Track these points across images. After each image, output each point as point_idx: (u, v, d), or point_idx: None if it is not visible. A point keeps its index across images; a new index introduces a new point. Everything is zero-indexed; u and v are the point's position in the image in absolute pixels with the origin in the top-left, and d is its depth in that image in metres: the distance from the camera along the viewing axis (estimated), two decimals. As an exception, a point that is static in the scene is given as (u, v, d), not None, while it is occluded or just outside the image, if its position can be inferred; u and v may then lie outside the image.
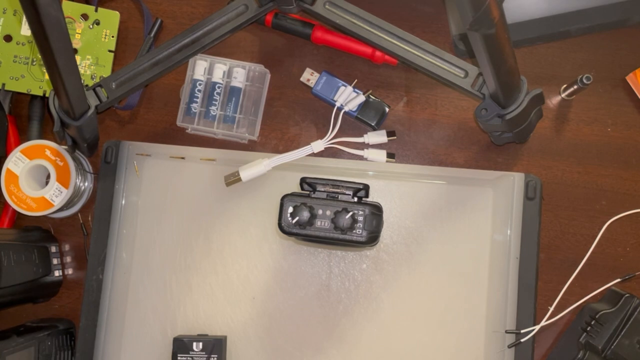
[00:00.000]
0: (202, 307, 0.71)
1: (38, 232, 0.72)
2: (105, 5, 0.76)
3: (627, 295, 0.65)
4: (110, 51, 0.74)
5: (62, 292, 0.74)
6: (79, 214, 0.74)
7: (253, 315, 0.70)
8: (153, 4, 0.76)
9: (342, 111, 0.72)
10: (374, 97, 0.72)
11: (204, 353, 0.67)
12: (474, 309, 0.69)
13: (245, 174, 0.70)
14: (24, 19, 0.73)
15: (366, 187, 0.63)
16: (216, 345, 0.67)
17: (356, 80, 0.73)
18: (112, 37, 0.74)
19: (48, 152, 0.70)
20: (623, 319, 0.64)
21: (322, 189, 0.63)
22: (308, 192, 0.63)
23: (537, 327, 0.67)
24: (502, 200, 0.70)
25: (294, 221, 0.61)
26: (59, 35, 0.52)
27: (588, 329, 0.65)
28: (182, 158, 0.73)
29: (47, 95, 0.73)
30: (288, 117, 0.74)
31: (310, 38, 0.73)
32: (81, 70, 0.74)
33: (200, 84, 0.72)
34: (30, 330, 0.67)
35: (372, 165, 0.72)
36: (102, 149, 0.72)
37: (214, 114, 0.72)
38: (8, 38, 0.73)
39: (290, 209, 0.62)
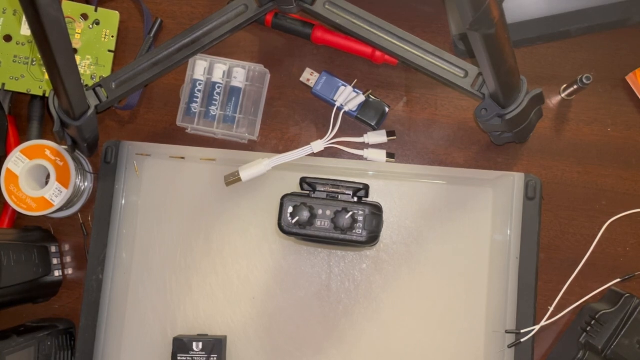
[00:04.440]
0: (202, 307, 0.71)
1: (38, 232, 0.72)
2: (105, 5, 0.76)
3: (627, 295, 0.65)
4: (110, 51, 0.74)
5: (62, 292, 0.74)
6: (79, 214, 0.74)
7: (253, 315, 0.70)
8: (153, 4, 0.76)
9: (342, 111, 0.72)
10: (374, 97, 0.72)
11: (204, 353, 0.67)
12: (474, 309, 0.69)
13: (245, 174, 0.70)
14: (24, 19, 0.73)
15: (366, 187, 0.63)
16: (216, 345, 0.67)
17: (356, 80, 0.73)
18: (112, 37, 0.74)
19: (48, 152, 0.70)
20: (623, 319, 0.64)
21: (322, 189, 0.63)
22: (308, 192, 0.63)
23: (537, 327, 0.67)
24: (502, 200, 0.70)
25: (294, 221, 0.61)
26: (59, 35, 0.52)
27: (588, 329, 0.65)
28: (182, 158, 0.73)
29: (47, 95, 0.73)
30: (288, 117, 0.74)
31: (310, 38, 0.73)
32: (81, 70, 0.74)
33: (200, 84, 0.72)
34: (30, 330, 0.67)
35: (372, 165, 0.72)
36: (102, 149, 0.72)
37: (214, 114, 0.72)
38: (8, 38, 0.73)
39: (290, 209, 0.62)
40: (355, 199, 0.63)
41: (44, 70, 0.72)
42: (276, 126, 0.74)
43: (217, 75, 0.72)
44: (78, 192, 0.72)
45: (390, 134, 0.72)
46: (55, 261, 0.72)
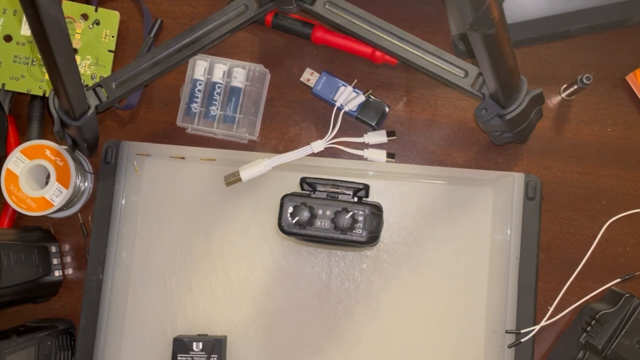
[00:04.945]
0: (202, 307, 0.71)
1: (38, 232, 0.72)
2: (105, 5, 0.76)
3: (627, 295, 0.65)
4: (110, 51, 0.74)
5: (62, 292, 0.74)
6: (79, 214, 0.74)
7: (253, 315, 0.70)
8: (153, 4, 0.76)
9: (342, 111, 0.72)
10: (374, 97, 0.72)
11: (204, 353, 0.67)
12: (474, 309, 0.69)
13: (245, 174, 0.70)
14: (24, 19, 0.73)
15: (366, 187, 0.63)
16: (216, 345, 0.67)
17: (356, 80, 0.73)
18: (112, 37, 0.74)
19: (48, 152, 0.70)
20: (623, 319, 0.64)
21: (322, 189, 0.63)
22: (308, 192, 0.63)
23: (537, 327, 0.67)
24: (502, 200, 0.70)
25: (294, 221, 0.61)
26: (59, 35, 0.52)
27: (588, 329, 0.65)
28: (182, 158, 0.73)
29: (47, 95, 0.73)
30: (288, 117, 0.74)
31: (310, 38, 0.73)
32: (81, 70, 0.74)
33: (200, 84, 0.72)
34: (30, 330, 0.67)
35: (372, 165, 0.72)
36: (102, 149, 0.72)
37: (214, 114, 0.72)
38: (8, 38, 0.73)
39: (290, 209, 0.62)
40: (355, 199, 0.63)
41: (44, 70, 0.72)
42: (276, 126, 0.74)
43: (217, 75, 0.72)
44: (78, 192, 0.72)
45: (390, 134, 0.72)
46: (55, 261, 0.72)
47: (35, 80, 0.73)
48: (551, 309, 0.68)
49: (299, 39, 0.75)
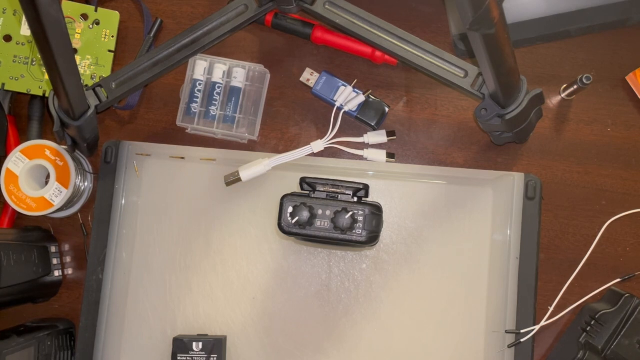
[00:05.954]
0: (202, 307, 0.71)
1: (38, 232, 0.72)
2: (105, 5, 0.76)
3: (627, 295, 0.65)
4: (110, 51, 0.74)
5: (62, 292, 0.74)
6: (79, 214, 0.74)
7: (253, 315, 0.70)
8: (153, 4, 0.76)
9: (342, 111, 0.72)
10: (374, 97, 0.72)
11: (204, 353, 0.67)
12: (474, 309, 0.69)
13: (245, 174, 0.70)
14: (24, 19, 0.73)
15: (366, 187, 0.63)
16: (216, 345, 0.67)
17: (356, 80, 0.73)
18: (112, 37, 0.74)
19: (48, 152, 0.70)
20: (623, 319, 0.64)
21: (322, 189, 0.63)
22: (308, 192, 0.63)
23: (537, 327, 0.67)
24: (502, 200, 0.70)
25: (294, 221, 0.61)
26: (59, 35, 0.52)
27: (588, 329, 0.65)
28: (182, 158, 0.73)
29: (47, 95, 0.73)
30: (288, 117, 0.74)
31: (310, 38, 0.73)
32: (81, 70, 0.74)
33: (200, 84, 0.72)
34: (30, 330, 0.67)
35: (372, 165, 0.72)
36: (102, 149, 0.72)
37: (214, 114, 0.72)
38: (8, 38, 0.73)
39: (290, 209, 0.62)
40: (355, 199, 0.63)
41: (44, 70, 0.72)
42: (276, 126, 0.74)
43: (217, 75, 0.72)
44: (78, 192, 0.72)
45: (390, 134, 0.72)
46: (55, 261, 0.72)
47: (35, 80, 0.73)
48: (551, 309, 0.68)
49: (299, 39, 0.75)
